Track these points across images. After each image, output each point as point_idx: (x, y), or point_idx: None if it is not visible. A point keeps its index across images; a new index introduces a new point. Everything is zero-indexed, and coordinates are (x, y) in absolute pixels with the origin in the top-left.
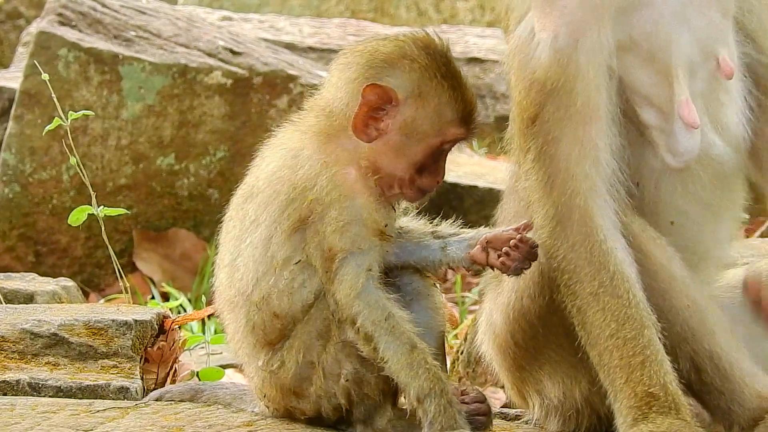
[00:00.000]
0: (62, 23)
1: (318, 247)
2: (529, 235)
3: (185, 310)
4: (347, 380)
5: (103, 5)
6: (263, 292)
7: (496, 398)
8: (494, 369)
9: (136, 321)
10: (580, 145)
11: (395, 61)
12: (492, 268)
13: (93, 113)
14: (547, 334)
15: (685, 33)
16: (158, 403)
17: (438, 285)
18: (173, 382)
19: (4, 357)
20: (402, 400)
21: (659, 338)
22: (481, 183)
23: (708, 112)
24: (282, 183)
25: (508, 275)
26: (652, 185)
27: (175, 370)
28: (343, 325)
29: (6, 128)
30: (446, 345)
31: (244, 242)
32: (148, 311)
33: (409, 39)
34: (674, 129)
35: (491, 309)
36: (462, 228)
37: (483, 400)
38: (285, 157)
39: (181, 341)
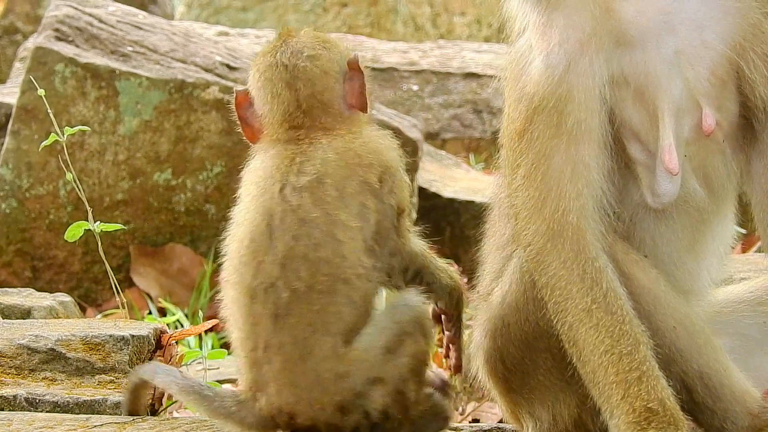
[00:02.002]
0: (59, 38)
1: (394, 206)
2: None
3: (182, 326)
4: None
5: (100, 21)
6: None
7: (494, 413)
8: (490, 391)
9: (133, 336)
10: (572, 163)
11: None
12: None
13: (90, 129)
14: (535, 359)
15: (676, 80)
16: (155, 418)
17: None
18: (170, 397)
19: (1, 372)
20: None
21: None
22: (477, 198)
23: (692, 159)
24: (356, 157)
25: None
26: (629, 217)
27: None
28: (405, 274)
29: (3, 143)
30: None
31: (338, 217)
32: (145, 326)
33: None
34: (656, 170)
35: (480, 335)
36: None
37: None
38: (339, 145)
39: (178, 356)
